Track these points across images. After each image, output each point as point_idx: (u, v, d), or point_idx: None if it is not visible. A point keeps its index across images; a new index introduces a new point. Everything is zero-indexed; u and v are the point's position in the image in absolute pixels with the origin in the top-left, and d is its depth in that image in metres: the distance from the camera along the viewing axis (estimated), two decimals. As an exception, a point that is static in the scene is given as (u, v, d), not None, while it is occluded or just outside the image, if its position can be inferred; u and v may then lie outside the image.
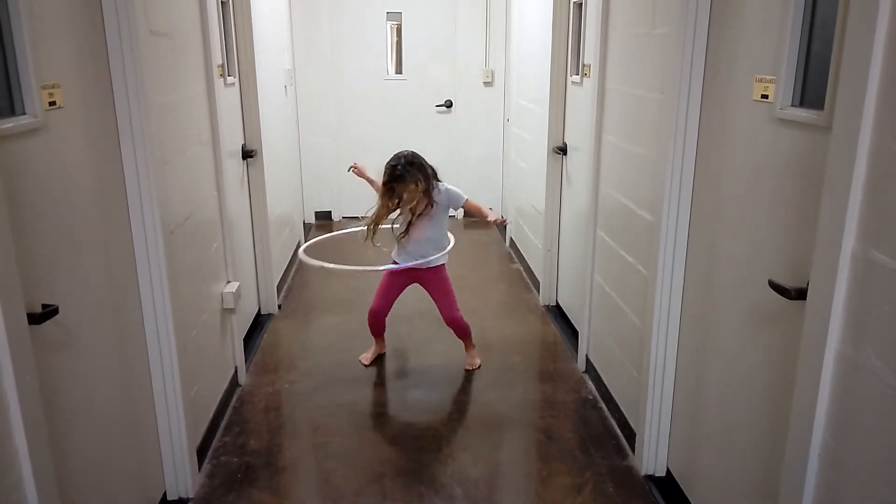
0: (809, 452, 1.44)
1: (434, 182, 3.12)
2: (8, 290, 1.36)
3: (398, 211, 3.19)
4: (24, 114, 1.60)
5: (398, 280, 3.31)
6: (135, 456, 2.18)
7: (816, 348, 1.40)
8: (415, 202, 3.09)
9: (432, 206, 3.11)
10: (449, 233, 3.33)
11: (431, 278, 3.27)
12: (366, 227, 3.17)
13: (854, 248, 1.31)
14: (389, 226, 3.22)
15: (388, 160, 3.10)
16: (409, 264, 3.19)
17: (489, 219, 3.14)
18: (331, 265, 3.13)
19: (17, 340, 1.39)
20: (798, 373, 1.47)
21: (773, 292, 1.64)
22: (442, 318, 3.34)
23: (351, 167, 3.44)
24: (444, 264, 3.28)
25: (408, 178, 3.02)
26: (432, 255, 3.20)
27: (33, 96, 1.60)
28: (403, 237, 3.19)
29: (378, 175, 3.19)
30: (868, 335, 1.29)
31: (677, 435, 2.45)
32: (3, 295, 1.34)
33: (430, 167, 3.13)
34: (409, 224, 3.15)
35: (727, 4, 2.01)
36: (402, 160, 3.05)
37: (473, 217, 3.31)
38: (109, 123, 2.02)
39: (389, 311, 3.38)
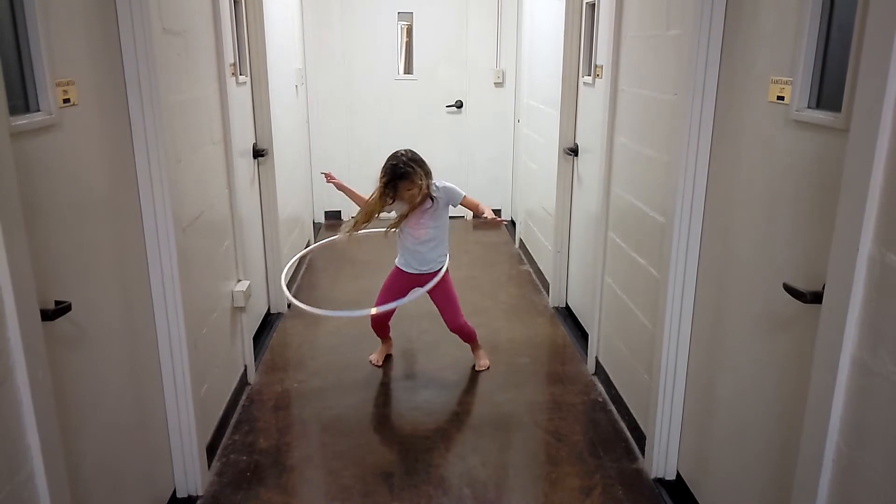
0: (823, 457, 1.42)
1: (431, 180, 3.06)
2: (22, 286, 1.37)
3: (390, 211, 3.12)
4: (39, 111, 1.61)
5: (400, 284, 3.23)
6: (144, 453, 2.19)
7: (831, 352, 1.39)
8: (416, 200, 2.98)
9: (433, 201, 3.05)
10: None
11: (434, 283, 3.16)
12: (352, 220, 3.06)
13: (871, 252, 1.30)
14: (383, 229, 3.16)
15: (386, 160, 2.99)
16: (413, 295, 3.12)
17: (486, 215, 3.09)
18: (321, 311, 3.19)
19: (30, 337, 1.39)
20: (812, 377, 1.46)
21: (788, 295, 1.63)
22: (445, 324, 3.31)
23: (327, 177, 3.28)
24: (447, 269, 3.20)
25: (412, 175, 2.93)
26: (435, 258, 3.16)
27: (48, 93, 1.61)
28: (398, 232, 3.11)
29: (357, 183, 3.14)
30: (884, 340, 1.28)
31: (688, 438, 2.44)
32: (17, 291, 1.35)
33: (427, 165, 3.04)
34: (404, 217, 3.03)
35: (742, 5, 1.99)
36: (403, 157, 2.96)
37: (477, 217, 3.25)
38: (123, 121, 2.03)
39: (392, 315, 3.35)
